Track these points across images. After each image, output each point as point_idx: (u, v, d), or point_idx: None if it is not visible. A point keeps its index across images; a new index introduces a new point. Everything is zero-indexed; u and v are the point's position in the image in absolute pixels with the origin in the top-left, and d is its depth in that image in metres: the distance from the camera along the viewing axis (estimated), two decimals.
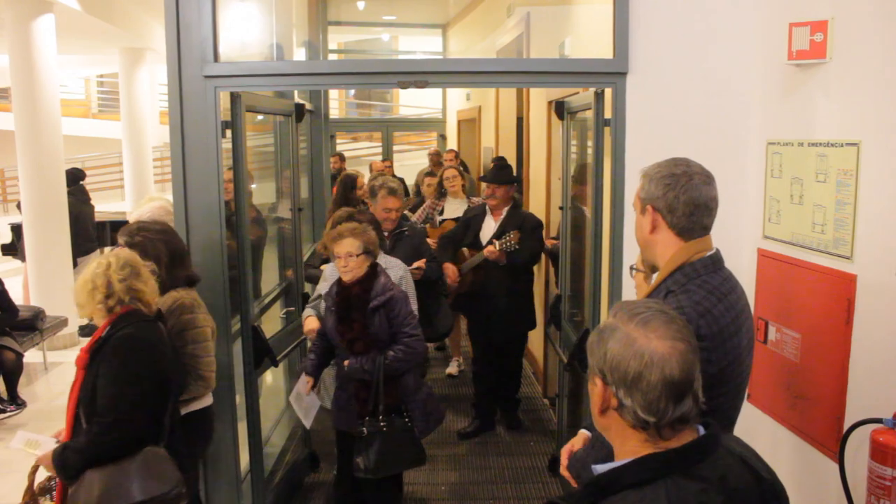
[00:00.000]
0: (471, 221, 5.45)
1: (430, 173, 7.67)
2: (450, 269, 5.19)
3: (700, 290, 2.01)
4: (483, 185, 5.80)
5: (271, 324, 4.47)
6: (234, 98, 3.55)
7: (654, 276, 2.20)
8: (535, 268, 6.33)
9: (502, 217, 5.23)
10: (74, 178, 8.65)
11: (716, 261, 2.11)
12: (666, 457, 1.41)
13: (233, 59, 3.72)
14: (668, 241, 2.12)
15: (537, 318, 5.67)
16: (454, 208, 6.48)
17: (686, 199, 2.07)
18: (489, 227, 5.30)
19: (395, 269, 4.13)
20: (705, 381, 1.89)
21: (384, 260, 4.04)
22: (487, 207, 5.35)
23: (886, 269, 2.39)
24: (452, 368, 6.85)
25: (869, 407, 2.42)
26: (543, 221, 6.05)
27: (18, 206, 8.62)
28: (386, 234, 4.67)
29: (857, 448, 2.40)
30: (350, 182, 6.60)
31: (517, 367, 5.75)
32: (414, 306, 4.03)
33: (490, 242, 5.09)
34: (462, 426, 5.62)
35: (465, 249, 5.42)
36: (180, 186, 3.40)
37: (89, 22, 9.38)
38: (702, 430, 1.48)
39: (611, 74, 3.37)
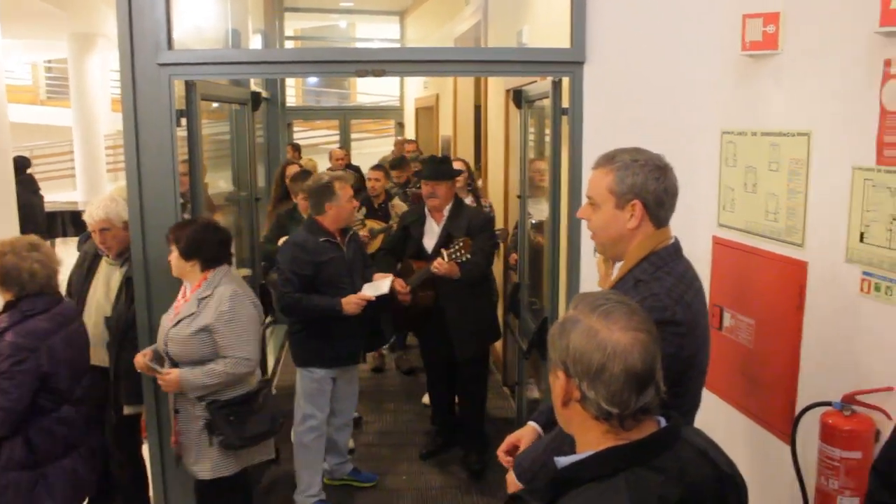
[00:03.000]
0: (410, 227, 4.73)
1: (377, 166, 6.57)
2: (399, 283, 4.37)
3: (669, 277, 2.03)
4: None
5: None
6: (189, 86, 3.50)
7: (617, 265, 2.19)
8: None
9: (444, 219, 4.57)
10: (21, 166, 8.45)
11: (678, 249, 2.13)
12: (627, 449, 1.42)
13: (187, 45, 3.66)
14: (647, 233, 2.07)
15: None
16: None
17: (672, 191, 2.06)
18: (431, 232, 4.62)
19: (219, 301, 3.27)
20: (679, 366, 1.93)
21: (224, 286, 3.30)
22: (426, 209, 4.66)
23: (836, 256, 2.45)
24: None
25: (819, 391, 2.48)
26: (501, 210, 6.06)
27: None
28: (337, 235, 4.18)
29: (808, 431, 2.46)
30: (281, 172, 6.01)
31: (480, 390, 4.92)
32: (250, 344, 3.31)
33: (438, 253, 4.38)
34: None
35: (410, 261, 4.67)
36: (134, 176, 3.34)
37: (36, 6, 9.15)
38: (663, 422, 1.49)
39: (568, 64, 3.38)
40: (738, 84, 3.07)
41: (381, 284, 4.20)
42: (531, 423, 2.38)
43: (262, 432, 3.39)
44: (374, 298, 4.09)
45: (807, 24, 2.65)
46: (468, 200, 5.41)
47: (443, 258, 4.28)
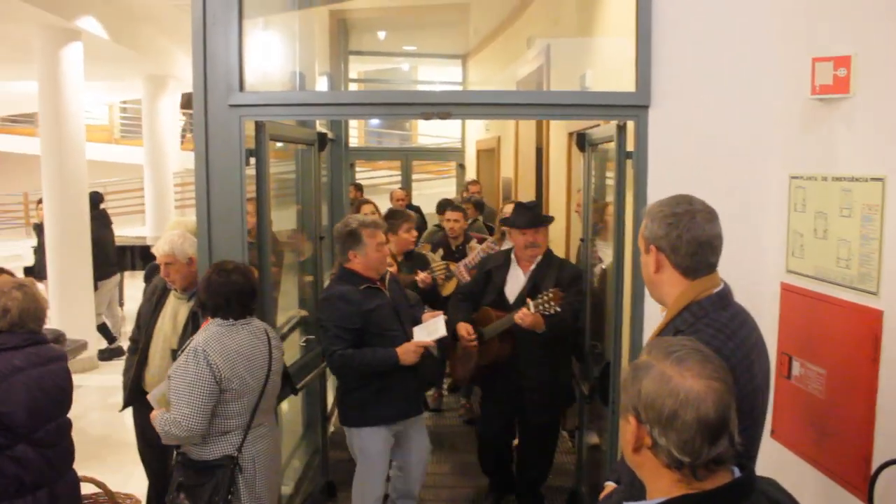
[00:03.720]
0: (492, 273, 4.41)
1: (456, 207, 6.42)
2: (463, 328, 4.17)
3: (708, 328, 1.99)
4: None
5: (291, 352, 4.33)
6: (259, 127, 3.60)
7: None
8: None
9: (532, 268, 4.27)
10: (94, 201, 8.75)
11: (723, 297, 2.09)
12: (698, 498, 1.39)
13: (257, 87, 3.77)
14: (673, 281, 2.11)
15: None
16: None
17: (689, 238, 2.06)
18: (516, 280, 4.31)
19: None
20: None
21: (200, 336, 3.18)
22: (513, 255, 4.38)
23: None
24: None
25: None
26: (562, 254, 6.01)
27: (35, 228, 8.74)
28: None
29: (887, 487, 2.36)
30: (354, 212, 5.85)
31: (548, 456, 4.56)
32: (189, 407, 3.03)
33: (520, 302, 4.04)
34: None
35: (489, 309, 4.30)
36: (204, 214, 3.44)
37: (116, 50, 9.55)
38: (737, 472, 1.45)
39: (633, 108, 3.38)
40: (806, 128, 3.02)
41: (436, 326, 3.81)
42: (609, 483, 2.32)
43: None
44: (433, 344, 3.79)
45: (881, 67, 2.60)
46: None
47: (528, 308, 3.91)
